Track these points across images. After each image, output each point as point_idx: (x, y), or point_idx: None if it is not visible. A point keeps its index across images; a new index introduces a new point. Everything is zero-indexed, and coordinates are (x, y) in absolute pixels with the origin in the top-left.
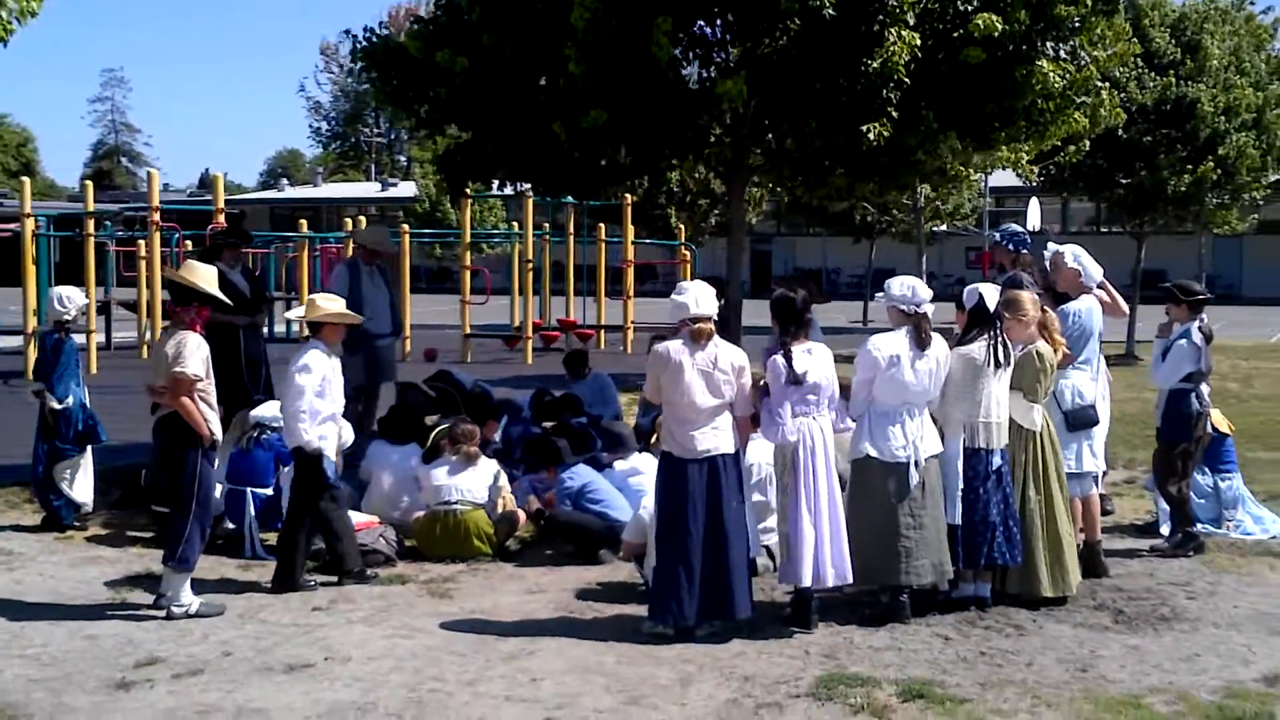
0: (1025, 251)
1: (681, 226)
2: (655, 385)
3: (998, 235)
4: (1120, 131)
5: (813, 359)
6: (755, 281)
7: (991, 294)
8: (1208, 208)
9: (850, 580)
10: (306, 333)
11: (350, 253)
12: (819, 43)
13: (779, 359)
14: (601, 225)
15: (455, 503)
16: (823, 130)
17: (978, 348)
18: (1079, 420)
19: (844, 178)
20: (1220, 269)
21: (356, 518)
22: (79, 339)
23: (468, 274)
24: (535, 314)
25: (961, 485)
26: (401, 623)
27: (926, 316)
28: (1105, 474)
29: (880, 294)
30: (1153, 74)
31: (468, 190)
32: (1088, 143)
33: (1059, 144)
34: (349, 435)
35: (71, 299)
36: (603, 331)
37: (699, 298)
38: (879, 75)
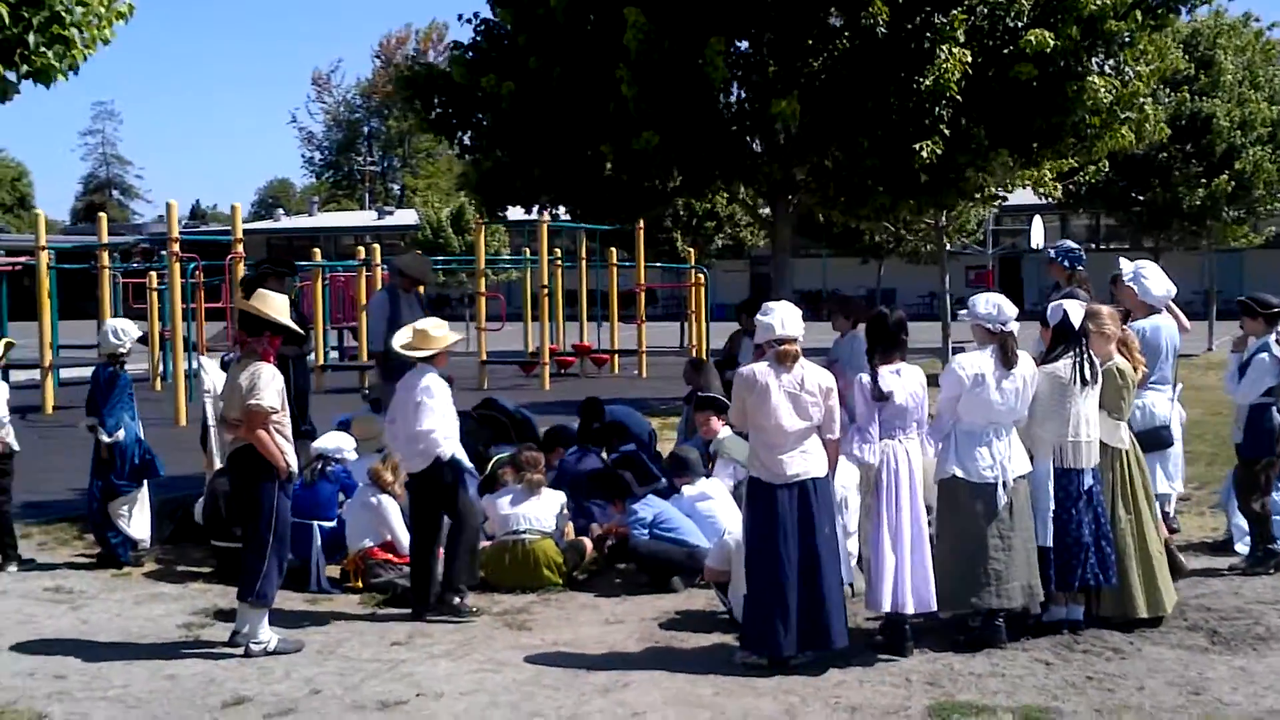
0: (1080, 268)
1: (691, 250)
2: (741, 409)
3: (1052, 252)
4: (1136, 148)
5: (901, 380)
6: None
7: (1076, 310)
8: (1224, 222)
9: (933, 608)
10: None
11: (385, 279)
12: (870, 60)
13: (864, 376)
14: (613, 250)
15: (524, 532)
16: (874, 149)
17: (1063, 365)
18: (1151, 441)
19: (887, 196)
20: (1221, 283)
21: None
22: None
23: (483, 300)
24: (549, 339)
25: (1052, 506)
26: (486, 656)
27: (1013, 335)
28: (1180, 497)
29: (963, 311)
30: (1167, 90)
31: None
32: (1107, 160)
33: (1078, 163)
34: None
35: (126, 332)
36: (616, 356)
37: (785, 318)
38: (931, 93)
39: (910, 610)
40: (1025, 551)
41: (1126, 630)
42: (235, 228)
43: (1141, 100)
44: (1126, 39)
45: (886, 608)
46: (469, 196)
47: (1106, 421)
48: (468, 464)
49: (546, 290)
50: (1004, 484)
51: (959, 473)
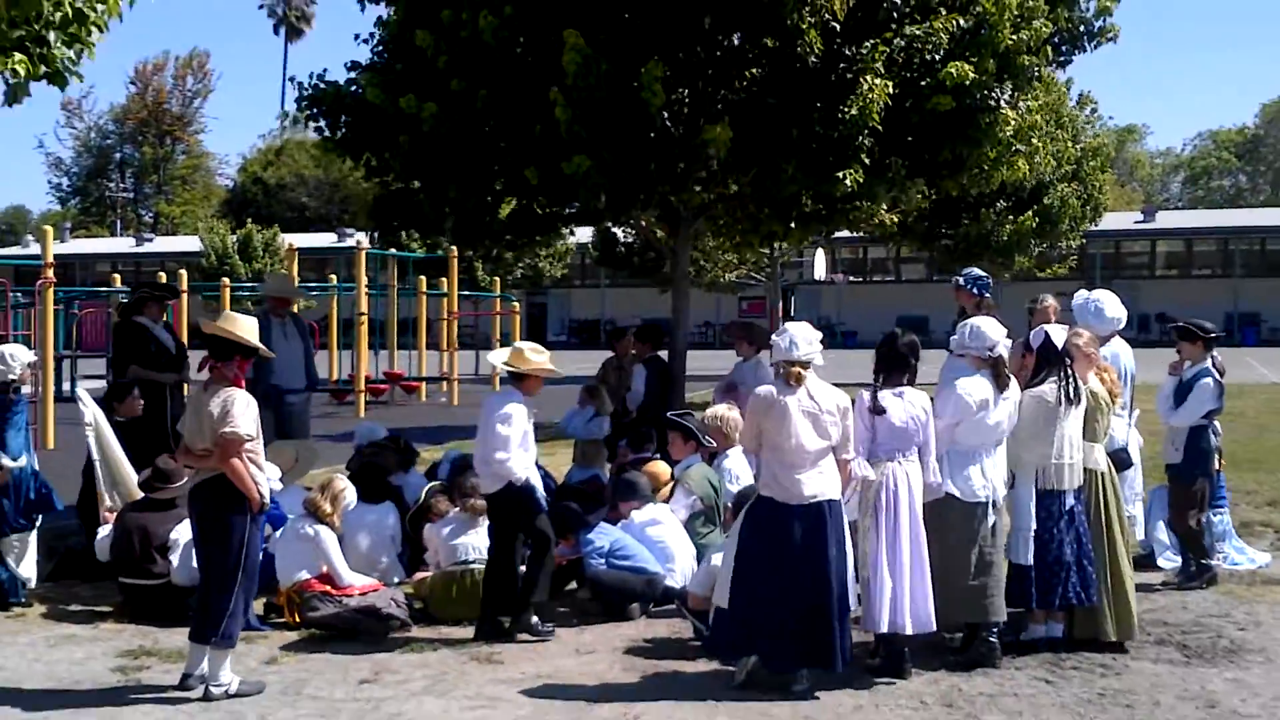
0: (988, 294)
1: (496, 279)
2: (755, 431)
3: (960, 279)
4: (1028, 179)
5: (901, 401)
6: (531, 335)
7: (1059, 333)
8: (1029, 255)
9: (931, 629)
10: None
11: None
12: (797, 89)
13: (864, 393)
14: (422, 278)
15: (472, 562)
16: (797, 176)
17: (1049, 388)
18: (1113, 464)
19: (780, 224)
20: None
21: (361, 580)
22: None
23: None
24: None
25: (1034, 526)
26: (473, 692)
27: (1002, 358)
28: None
29: (954, 339)
30: None
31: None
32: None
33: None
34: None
35: (15, 356)
36: (424, 384)
37: (797, 339)
38: (854, 122)
39: (909, 631)
40: (1002, 569)
41: (1099, 650)
42: (46, 252)
43: (1033, 135)
44: (1035, 74)
45: (885, 629)
46: (366, 223)
47: (1083, 444)
48: (540, 489)
49: (364, 317)
50: (994, 503)
51: (954, 492)
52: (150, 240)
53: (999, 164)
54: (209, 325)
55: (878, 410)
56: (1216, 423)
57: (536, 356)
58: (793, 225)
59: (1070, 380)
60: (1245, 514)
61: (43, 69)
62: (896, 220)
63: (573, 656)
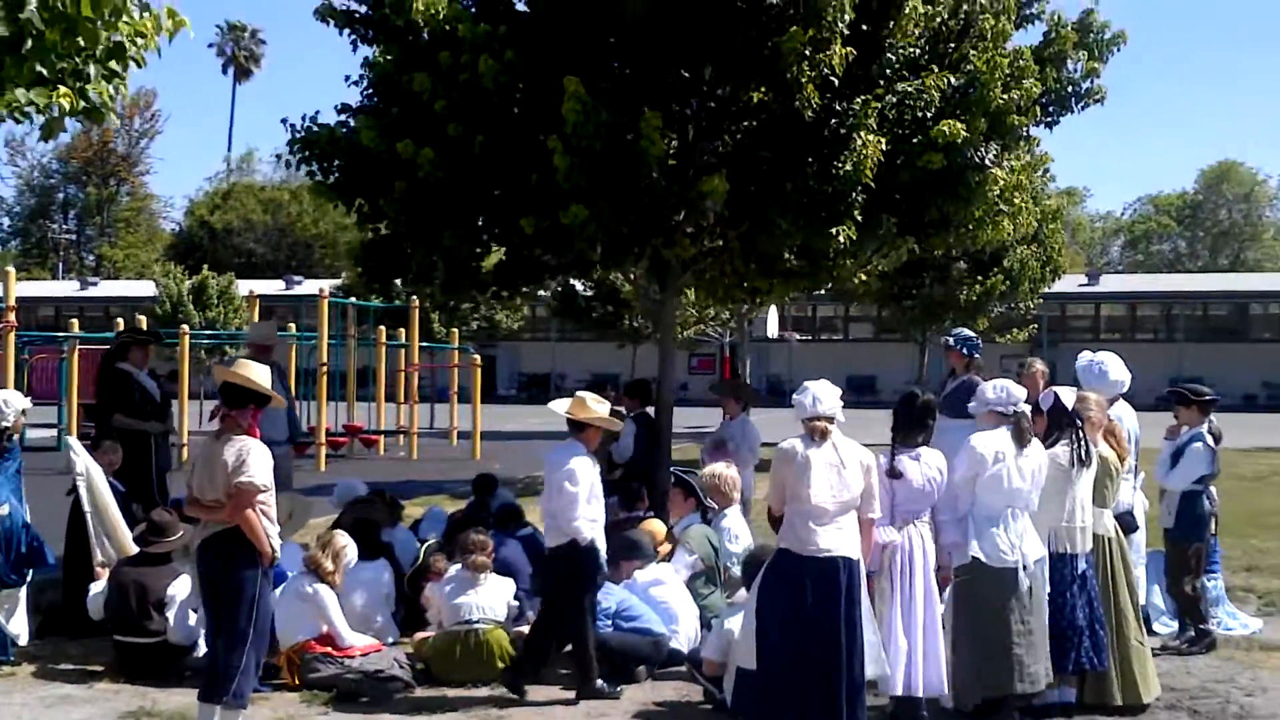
0: (978, 355)
1: (455, 331)
2: (780, 485)
3: (951, 340)
4: (1011, 239)
5: (918, 464)
6: (481, 388)
7: (1068, 395)
8: (987, 315)
9: (943, 693)
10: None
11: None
12: (791, 143)
13: (880, 456)
14: (382, 329)
15: (476, 622)
16: (791, 230)
17: (1062, 450)
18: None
19: (765, 280)
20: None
21: (362, 640)
22: None
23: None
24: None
25: (1048, 589)
26: None
27: (1025, 415)
28: None
29: (972, 404)
30: None
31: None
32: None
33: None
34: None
35: (10, 403)
36: (383, 437)
37: (818, 396)
38: (848, 178)
39: (921, 694)
40: (1043, 636)
41: (1109, 715)
42: (8, 294)
43: (1016, 195)
44: (1023, 134)
45: (898, 691)
46: (353, 270)
47: (1092, 509)
48: (603, 550)
49: (325, 368)
50: (1024, 567)
51: (980, 556)
52: (95, 284)
53: (983, 224)
54: (224, 373)
55: (895, 474)
56: (1212, 488)
57: (598, 406)
58: (776, 281)
59: (1082, 443)
60: (1224, 579)
61: (81, 103)
62: (872, 279)
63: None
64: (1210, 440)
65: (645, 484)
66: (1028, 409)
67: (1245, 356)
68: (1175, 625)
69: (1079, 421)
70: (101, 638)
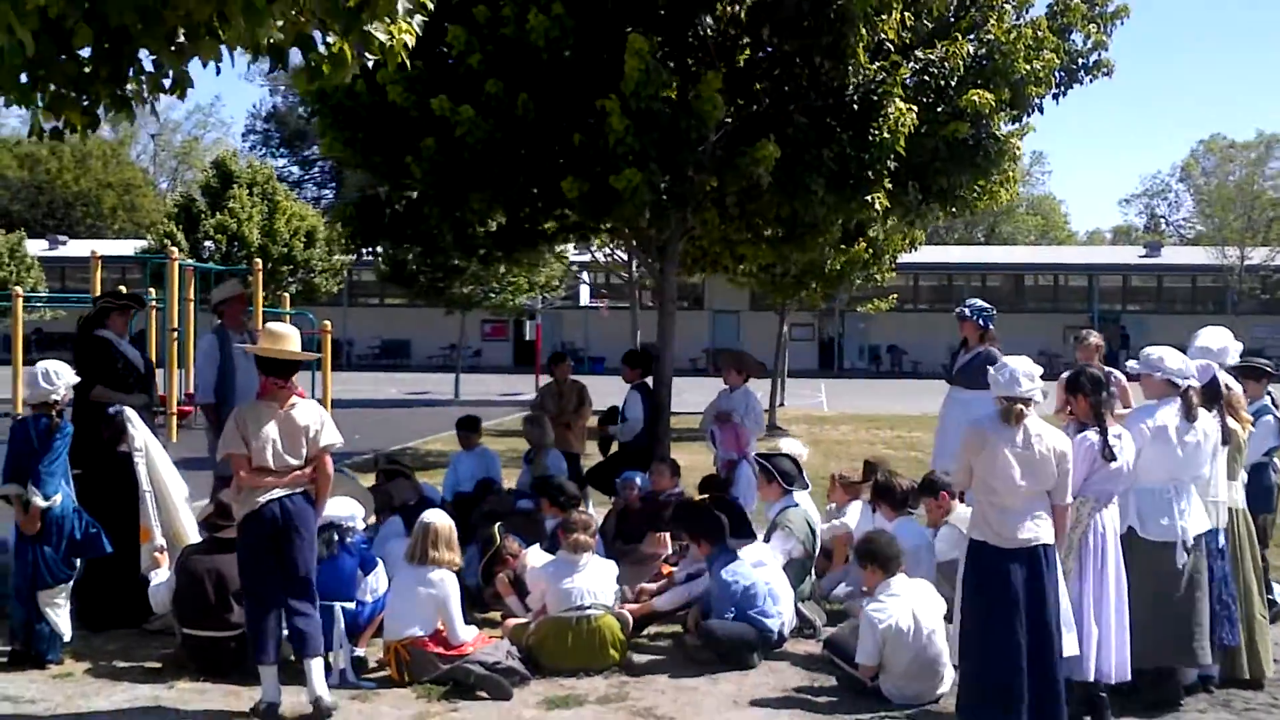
0: (992, 327)
1: (286, 296)
2: (967, 469)
3: (966, 310)
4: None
5: (1123, 443)
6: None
7: (1222, 372)
8: (851, 283)
9: (1128, 678)
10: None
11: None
12: (831, 110)
13: (1092, 434)
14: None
15: (589, 607)
16: (825, 199)
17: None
18: None
19: (751, 248)
20: (721, 341)
21: (471, 633)
22: None
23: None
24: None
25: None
26: None
27: (1196, 388)
28: None
29: (1132, 364)
30: None
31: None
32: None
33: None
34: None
35: (60, 374)
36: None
37: (1018, 374)
38: (883, 145)
39: (1113, 680)
40: (1204, 608)
41: (1238, 687)
42: None
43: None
44: (1038, 103)
45: (1090, 676)
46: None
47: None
48: None
49: (176, 334)
50: (1184, 543)
51: (1139, 530)
52: None
53: (989, 192)
54: (264, 349)
55: (1113, 457)
56: (1277, 459)
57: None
58: (763, 248)
59: (1223, 419)
60: None
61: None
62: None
63: (734, 709)
64: (1277, 412)
65: (644, 455)
66: (1198, 383)
67: None
68: None
69: (1222, 399)
70: (128, 630)
